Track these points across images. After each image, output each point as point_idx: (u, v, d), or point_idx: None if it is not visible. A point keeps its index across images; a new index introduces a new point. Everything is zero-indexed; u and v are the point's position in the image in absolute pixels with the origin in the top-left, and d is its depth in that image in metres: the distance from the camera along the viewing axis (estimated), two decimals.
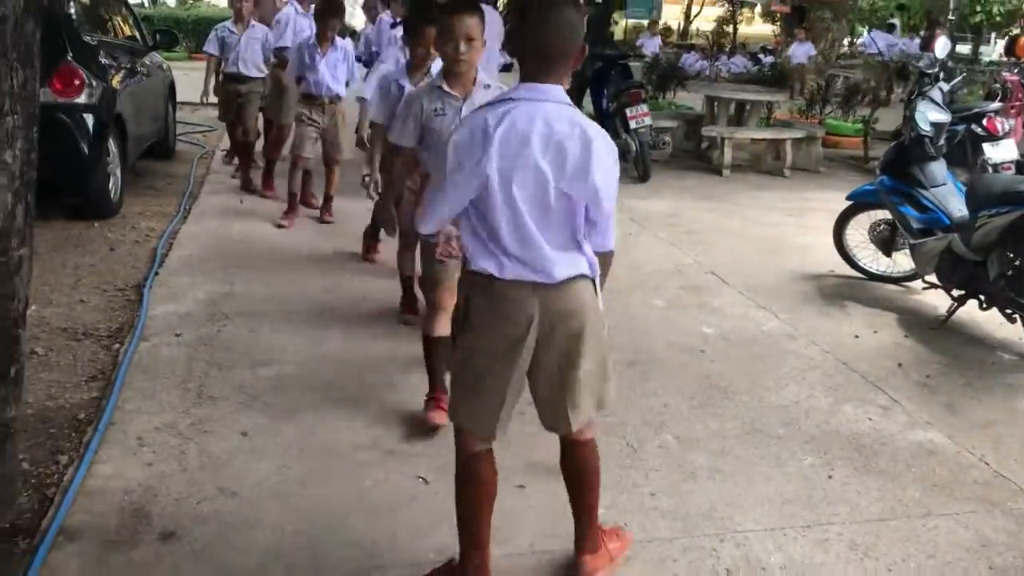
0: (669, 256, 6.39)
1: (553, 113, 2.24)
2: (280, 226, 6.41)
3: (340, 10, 6.60)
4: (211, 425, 3.49)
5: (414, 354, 4.00)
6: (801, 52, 14.75)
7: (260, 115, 7.82)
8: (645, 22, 27.55)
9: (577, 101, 9.52)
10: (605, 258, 2.47)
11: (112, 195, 6.40)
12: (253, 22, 7.66)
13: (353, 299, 5.02)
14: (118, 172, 6.54)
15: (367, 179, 4.55)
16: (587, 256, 2.38)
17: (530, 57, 2.27)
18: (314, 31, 6.67)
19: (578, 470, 2.62)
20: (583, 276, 2.38)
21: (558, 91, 2.28)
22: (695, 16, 33.14)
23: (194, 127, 10.41)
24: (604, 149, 2.26)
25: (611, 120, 9.29)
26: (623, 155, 8.47)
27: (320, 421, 3.60)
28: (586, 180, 2.23)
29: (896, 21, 18.09)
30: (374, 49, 8.01)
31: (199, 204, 6.99)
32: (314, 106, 6.44)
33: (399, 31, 7.31)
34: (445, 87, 3.38)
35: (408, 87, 3.97)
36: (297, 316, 4.71)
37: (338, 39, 6.53)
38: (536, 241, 2.28)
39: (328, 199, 6.74)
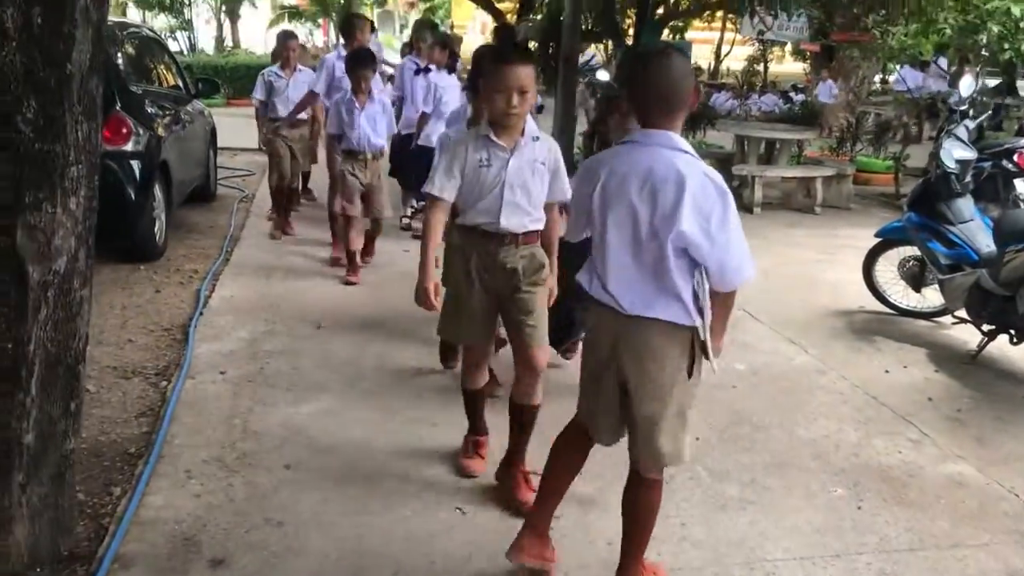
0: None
1: (659, 156, 2.43)
2: (349, 283, 6.25)
3: (369, 60, 6.36)
4: (256, 458, 3.63)
5: (452, 388, 4.12)
6: (825, 90, 14.85)
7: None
8: None
9: (607, 140, 9.65)
10: (724, 300, 2.56)
11: (157, 239, 6.62)
12: (300, 67, 7.89)
13: (392, 337, 5.15)
14: (163, 217, 6.76)
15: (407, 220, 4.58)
16: (684, 304, 2.47)
17: (649, 104, 2.48)
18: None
19: (635, 506, 2.70)
20: (668, 322, 2.48)
21: (670, 136, 2.47)
22: (725, 55, 33.30)
23: (233, 171, 10.68)
24: (701, 195, 2.37)
25: None
26: None
27: (360, 454, 3.72)
28: (674, 225, 2.38)
29: (944, 61, 18.09)
30: (396, 94, 8.14)
31: (240, 246, 7.18)
32: (356, 161, 6.27)
33: (432, 77, 7.46)
34: (492, 137, 3.16)
35: (498, 154, 3.38)
36: (337, 354, 4.85)
37: (375, 90, 6.34)
38: (621, 273, 2.51)
39: (367, 253, 6.69)
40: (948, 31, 13.24)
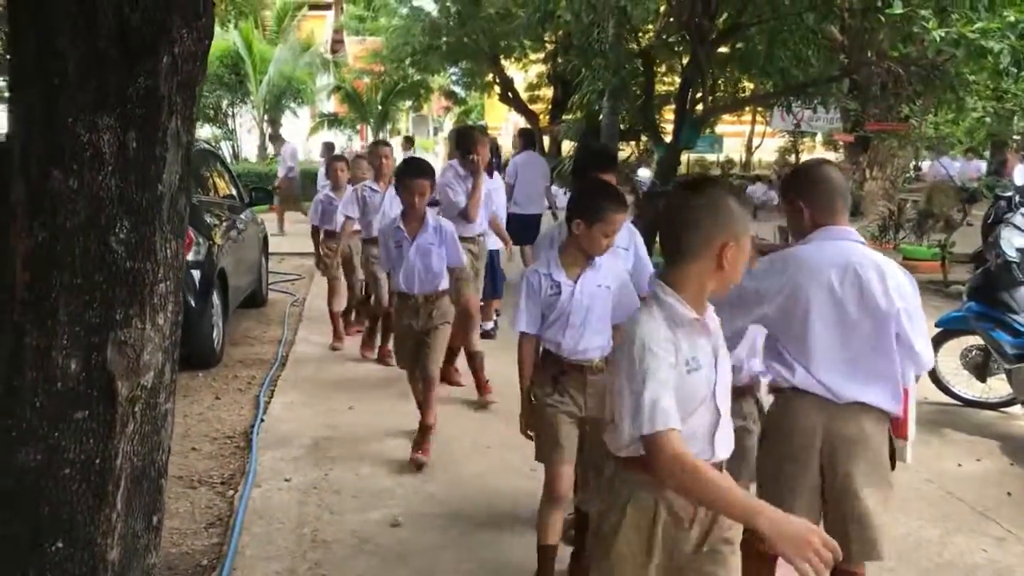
0: None
1: (852, 249, 2.66)
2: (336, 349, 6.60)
3: (424, 171, 4.82)
4: (327, 568, 3.60)
5: (521, 491, 4.08)
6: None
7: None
8: (709, 156, 28.17)
9: (649, 239, 9.74)
10: (912, 385, 2.73)
11: (216, 345, 6.71)
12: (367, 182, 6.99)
13: (454, 438, 5.13)
14: (220, 324, 6.86)
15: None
16: (894, 388, 2.61)
17: (835, 204, 2.71)
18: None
19: None
20: (877, 409, 2.62)
21: (854, 231, 2.72)
22: (756, 148, 33.69)
23: (283, 276, 10.86)
24: (901, 280, 2.62)
25: None
26: None
27: (433, 564, 3.67)
28: (885, 309, 2.56)
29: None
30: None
31: (295, 351, 7.25)
32: (407, 307, 4.90)
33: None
34: (558, 263, 3.39)
35: (565, 282, 3.38)
36: (401, 458, 4.83)
37: (429, 217, 4.86)
38: (832, 361, 2.59)
39: (425, 431, 4.86)
40: (987, 119, 13.30)
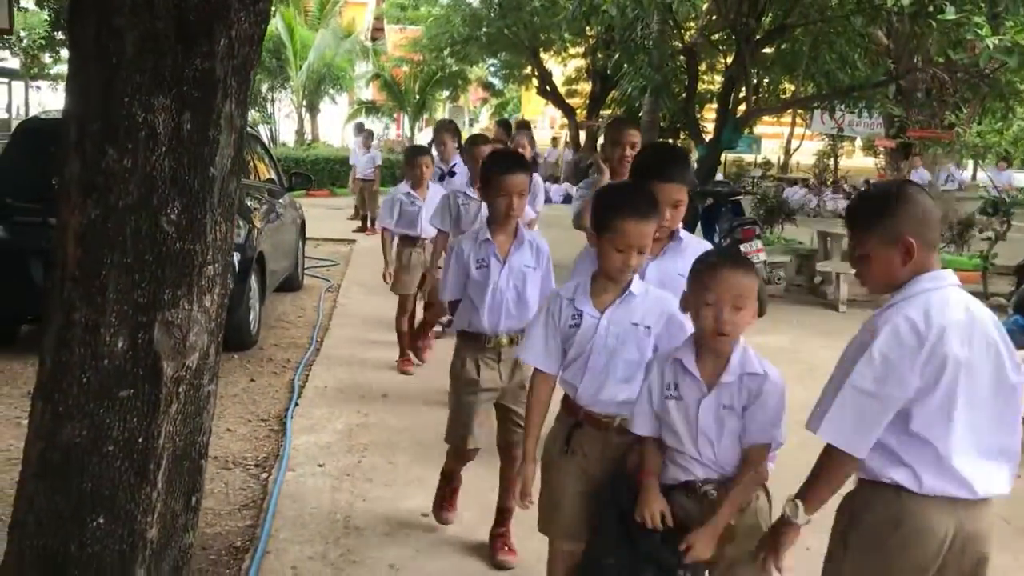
0: (793, 394, 6.33)
1: (964, 298, 2.16)
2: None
3: (521, 164, 3.74)
4: (359, 555, 3.61)
5: None
6: (916, 177, 14.82)
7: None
8: (746, 157, 27.95)
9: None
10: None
11: (252, 328, 6.75)
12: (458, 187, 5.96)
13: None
14: (258, 307, 6.90)
15: None
16: (1010, 465, 2.17)
17: (934, 242, 2.21)
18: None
19: None
20: (1000, 495, 2.16)
21: (953, 274, 2.21)
22: (795, 150, 33.38)
23: (319, 262, 10.91)
24: (1003, 330, 2.18)
25: None
26: None
27: (463, 554, 3.66)
28: (1014, 371, 2.12)
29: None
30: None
31: (329, 336, 7.28)
32: (481, 352, 3.66)
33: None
34: (586, 288, 2.77)
35: (590, 312, 2.77)
36: (432, 448, 4.81)
37: (524, 230, 3.71)
38: (971, 448, 2.10)
39: (504, 515, 3.72)
40: None
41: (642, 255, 2.68)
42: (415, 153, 6.72)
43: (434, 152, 7.04)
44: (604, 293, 2.73)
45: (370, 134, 16.75)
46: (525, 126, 10.47)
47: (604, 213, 2.69)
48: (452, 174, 6.84)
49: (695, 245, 2.99)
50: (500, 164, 3.63)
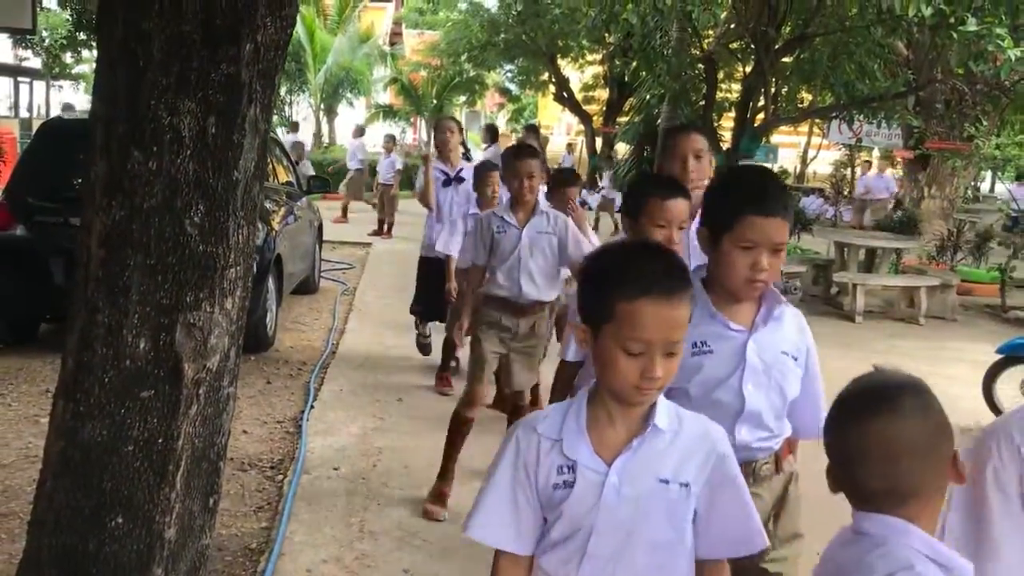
0: None
1: None
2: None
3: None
4: (374, 560, 3.61)
5: None
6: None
7: None
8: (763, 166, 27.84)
9: None
10: None
11: (269, 330, 6.77)
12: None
13: (502, 435, 5.12)
14: (274, 309, 6.93)
15: None
16: None
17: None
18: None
19: None
20: None
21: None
22: (812, 160, 33.24)
23: (334, 265, 10.94)
24: None
25: None
26: None
27: (478, 561, 3.65)
28: None
29: None
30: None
31: (345, 340, 7.30)
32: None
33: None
34: (583, 426, 1.78)
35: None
36: None
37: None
38: None
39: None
40: None
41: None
42: (486, 170, 5.68)
43: (432, 150, 6.62)
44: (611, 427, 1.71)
45: (391, 138, 16.78)
46: (533, 130, 10.52)
47: (639, 197, 2.76)
48: (459, 180, 6.18)
49: (792, 315, 2.26)
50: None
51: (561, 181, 4.94)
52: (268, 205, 7.13)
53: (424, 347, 6.65)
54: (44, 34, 25.32)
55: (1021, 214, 15.30)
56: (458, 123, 6.79)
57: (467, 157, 6.66)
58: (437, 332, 6.47)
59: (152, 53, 2.52)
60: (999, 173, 19.29)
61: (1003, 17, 7.73)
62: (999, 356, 5.90)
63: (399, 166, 15.13)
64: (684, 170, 3.18)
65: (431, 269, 6.20)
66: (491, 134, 12.53)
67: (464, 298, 3.54)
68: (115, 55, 2.58)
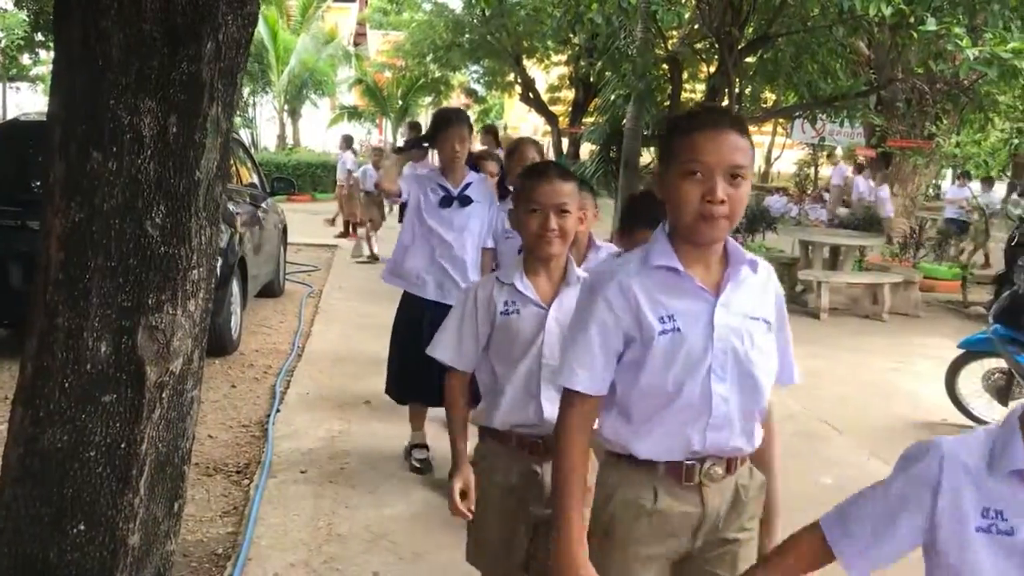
0: (779, 401, 6.36)
1: None
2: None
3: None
4: (342, 563, 3.58)
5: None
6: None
7: None
8: None
9: None
10: None
11: (233, 334, 6.70)
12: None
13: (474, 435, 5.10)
14: (239, 312, 6.86)
15: None
16: None
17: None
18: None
19: None
20: None
21: None
22: (776, 159, 33.56)
23: (299, 267, 10.86)
24: None
25: None
26: None
27: (449, 562, 3.64)
28: None
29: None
30: None
31: (311, 343, 7.24)
32: (514, 458, 2.56)
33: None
34: None
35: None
36: None
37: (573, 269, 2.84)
38: None
39: None
40: (1015, 140, 13.23)
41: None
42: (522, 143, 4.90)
43: (434, 163, 5.54)
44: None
45: (347, 139, 16.65)
46: (491, 132, 10.47)
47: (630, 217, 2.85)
48: (465, 200, 4.44)
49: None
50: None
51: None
52: (232, 207, 7.05)
53: (421, 467, 4.58)
54: (0, 35, 24.92)
55: (968, 218, 15.56)
56: (469, 123, 4.54)
57: (473, 166, 4.74)
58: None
59: (111, 52, 2.48)
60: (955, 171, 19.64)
61: (961, 17, 7.84)
62: (961, 351, 5.98)
63: (350, 166, 15.01)
64: None
65: (412, 316, 4.49)
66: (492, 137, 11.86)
67: (456, 420, 2.64)
68: (73, 55, 2.53)
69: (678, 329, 1.88)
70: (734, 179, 1.83)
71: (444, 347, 2.58)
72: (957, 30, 7.34)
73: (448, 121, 4.38)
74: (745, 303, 1.95)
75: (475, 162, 4.72)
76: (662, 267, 1.91)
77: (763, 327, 1.98)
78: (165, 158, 2.55)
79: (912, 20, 7.80)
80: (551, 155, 22.94)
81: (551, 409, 2.22)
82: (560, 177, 2.46)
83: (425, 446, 4.68)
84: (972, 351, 5.90)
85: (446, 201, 4.39)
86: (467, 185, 4.43)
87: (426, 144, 4.55)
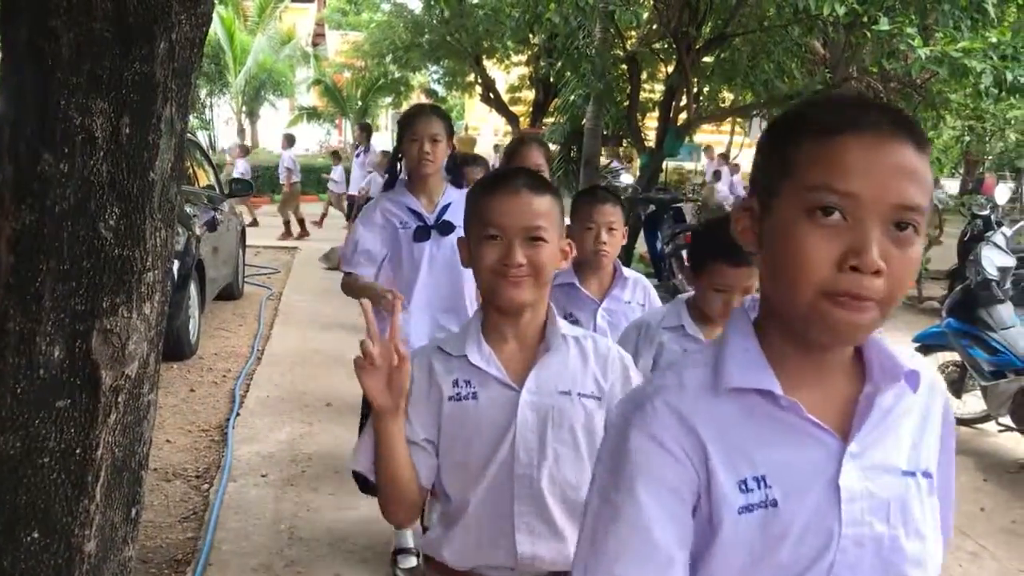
0: None
1: None
2: None
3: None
4: (304, 567, 3.56)
5: None
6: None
7: None
8: (687, 165, 28.30)
9: (630, 245, 9.78)
10: None
11: (191, 338, 6.63)
12: None
13: None
14: (197, 315, 6.79)
15: None
16: None
17: None
18: None
19: None
20: None
21: None
22: (734, 159, 33.85)
23: (259, 269, 10.76)
24: None
25: (666, 262, 9.50)
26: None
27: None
28: None
29: None
30: None
31: (271, 345, 7.18)
32: None
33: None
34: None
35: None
36: None
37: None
38: None
39: None
40: (966, 138, 13.47)
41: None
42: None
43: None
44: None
45: (287, 137, 16.64)
46: (364, 128, 10.61)
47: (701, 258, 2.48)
48: (446, 227, 3.45)
49: None
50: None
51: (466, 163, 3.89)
52: (188, 209, 6.98)
53: None
54: None
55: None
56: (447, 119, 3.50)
57: (456, 182, 3.56)
58: None
59: (61, 52, 2.43)
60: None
61: (913, 17, 7.97)
62: (915, 345, 6.07)
63: (288, 164, 14.92)
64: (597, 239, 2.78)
65: None
66: (366, 133, 11.66)
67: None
68: (21, 54, 2.48)
69: (774, 502, 1.05)
70: (900, 230, 1.00)
71: (367, 456, 1.76)
72: (909, 30, 7.46)
73: (412, 116, 3.38)
74: (892, 450, 1.11)
75: (459, 170, 3.60)
76: (747, 390, 1.08)
77: (923, 487, 1.13)
78: (118, 159, 2.51)
79: (866, 19, 7.92)
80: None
81: (530, 546, 1.63)
82: (531, 189, 1.68)
83: (415, 553, 3.59)
84: (926, 345, 5.99)
85: (421, 233, 3.35)
86: (445, 207, 3.39)
87: (401, 157, 3.44)
